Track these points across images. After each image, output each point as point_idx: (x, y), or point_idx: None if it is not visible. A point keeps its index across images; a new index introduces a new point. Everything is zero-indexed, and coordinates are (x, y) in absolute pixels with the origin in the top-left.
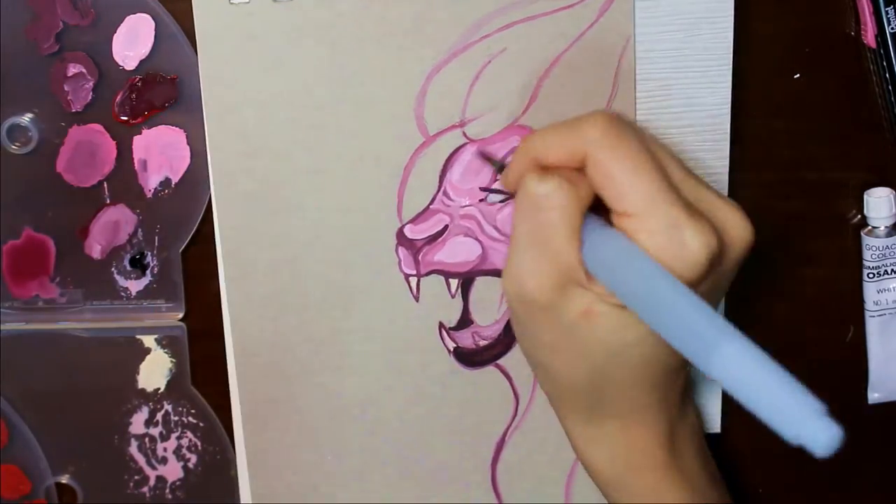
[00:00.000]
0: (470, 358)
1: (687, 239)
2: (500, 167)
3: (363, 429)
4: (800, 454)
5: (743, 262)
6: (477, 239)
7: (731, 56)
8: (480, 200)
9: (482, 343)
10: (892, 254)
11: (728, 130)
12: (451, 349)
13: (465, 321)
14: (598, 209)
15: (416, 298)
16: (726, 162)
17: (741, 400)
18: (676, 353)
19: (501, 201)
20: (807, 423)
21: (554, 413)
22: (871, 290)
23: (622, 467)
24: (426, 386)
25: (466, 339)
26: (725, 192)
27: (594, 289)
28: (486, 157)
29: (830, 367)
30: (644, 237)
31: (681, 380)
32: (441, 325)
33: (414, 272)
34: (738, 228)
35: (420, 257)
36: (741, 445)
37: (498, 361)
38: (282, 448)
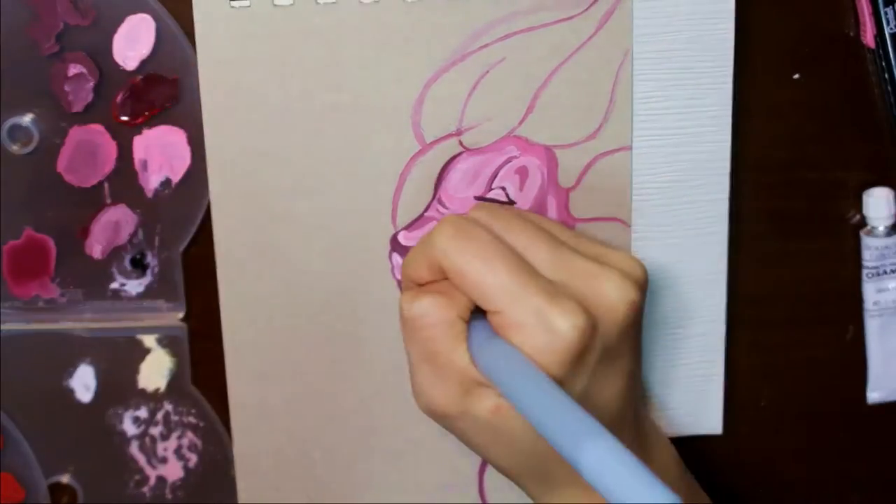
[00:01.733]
0: None
1: (554, 324)
2: None
3: (353, 433)
4: (799, 454)
5: (632, 322)
6: None
7: (733, 57)
8: None
9: None
10: (891, 254)
11: (729, 132)
12: None
13: None
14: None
15: None
16: (727, 164)
17: (608, 497)
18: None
19: None
20: None
21: None
22: (870, 290)
23: None
24: None
25: None
26: (725, 191)
27: (494, 386)
28: None
29: (830, 367)
30: (513, 332)
31: (626, 435)
32: None
33: None
34: (614, 291)
35: None
36: (741, 445)
37: None
38: (272, 449)
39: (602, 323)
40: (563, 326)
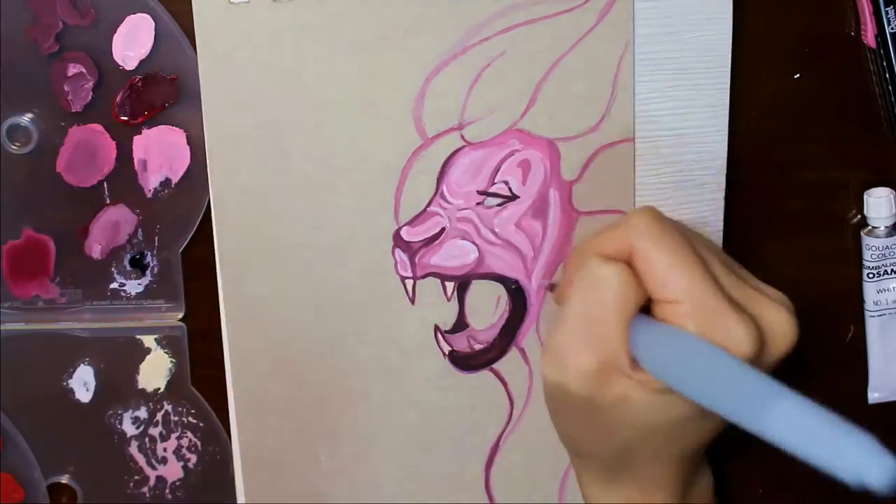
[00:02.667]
0: (465, 361)
1: (731, 329)
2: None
3: (357, 430)
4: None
5: (784, 357)
6: (474, 242)
7: (731, 57)
8: (478, 204)
9: (477, 347)
10: (892, 254)
11: (726, 132)
12: (447, 352)
13: (460, 324)
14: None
15: (412, 301)
16: (724, 164)
17: (800, 454)
18: (703, 434)
19: (499, 205)
20: (865, 465)
21: (548, 418)
22: (871, 290)
23: None
24: (421, 389)
25: (462, 342)
26: (723, 191)
27: (635, 376)
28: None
29: (830, 367)
30: (688, 322)
31: (698, 455)
32: (436, 328)
33: (410, 275)
34: (780, 324)
35: (416, 260)
36: (739, 445)
37: (493, 365)
38: (276, 449)
39: (766, 348)
40: (740, 334)
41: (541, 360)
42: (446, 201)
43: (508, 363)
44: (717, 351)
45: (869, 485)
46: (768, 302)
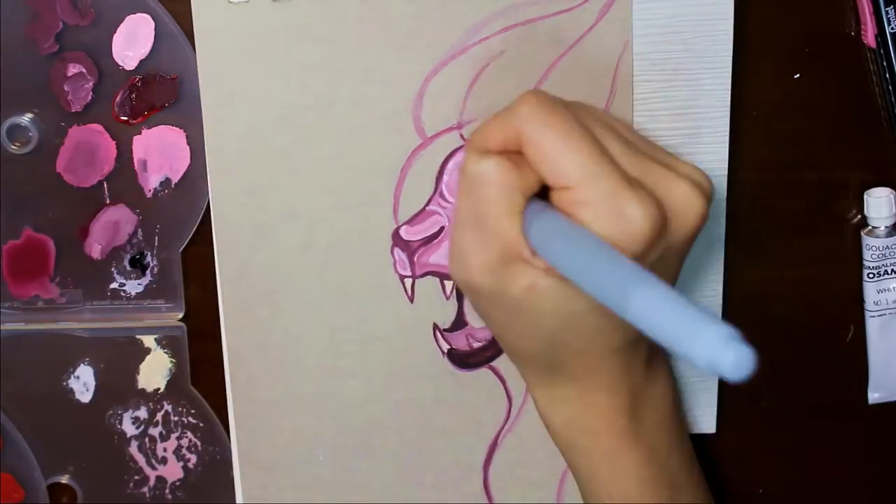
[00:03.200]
0: (464, 359)
1: (627, 210)
2: None
3: (356, 429)
4: (799, 454)
5: (695, 235)
6: None
7: (731, 58)
8: None
9: (476, 345)
10: (892, 254)
11: (727, 132)
12: (445, 350)
13: (459, 323)
14: (545, 197)
15: (411, 300)
16: (725, 164)
17: (660, 339)
18: (627, 326)
19: None
20: (720, 352)
21: None
22: (871, 290)
23: (579, 430)
24: (420, 387)
25: (460, 340)
26: (724, 193)
27: (537, 263)
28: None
29: (830, 367)
30: (582, 210)
31: (641, 348)
32: (435, 327)
33: (409, 273)
34: (684, 199)
35: (415, 259)
36: (739, 445)
37: (491, 363)
38: (274, 448)
39: (670, 225)
40: (636, 214)
41: (448, 263)
42: (445, 200)
43: (507, 361)
44: (590, 237)
45: (722, 372)
46: (675, 177)
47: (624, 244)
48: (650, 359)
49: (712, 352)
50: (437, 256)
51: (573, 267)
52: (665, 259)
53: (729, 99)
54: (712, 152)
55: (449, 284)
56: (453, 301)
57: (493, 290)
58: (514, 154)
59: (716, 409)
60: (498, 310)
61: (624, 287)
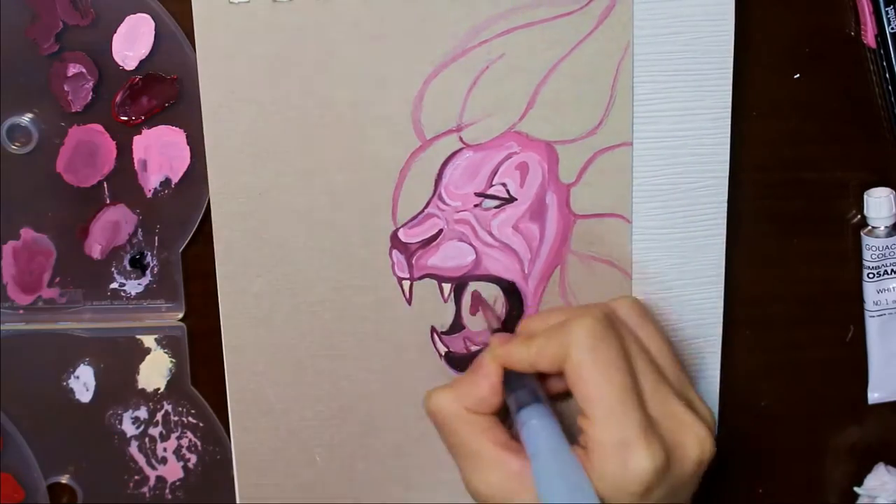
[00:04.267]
0: (461, 363)
1: (631, 462)
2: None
3: (354, 431)
4: (799, 454)
5: (702, 471)
6: (471, 244)
7: (732, 58)
8: (475, 206)
9: (473, 348)
10: (892, 254)
11: (728, 133)
12: (443, 353)
13: (457, 326)
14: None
15: (409, 302)
16: (726, 165)
17: None
18: None
19: (496, 207)
20: None
21: None
22: (871, 290)
23: None
24: (417, 389)
25: (458, 343)
26: (724, 193)
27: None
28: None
29: (830, 367)
30: (594, 447)
31: None
32: (433, 329)
33: (407, 276)
34: (694, 446)
35: (414, 261)
36: (739, 445)
37: None
38: (272, 449)
39: (674, 468)
40: (639, 467)
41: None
42: (444, 203)
43: None
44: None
45: None
46: (691, 421)
47: (621, 486)
48: None
49: None
50: (436, 259)
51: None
52: (673, 491)
53: (729, 99)
54: (712, 152)
55: (447, 287)
56: (451, 304)
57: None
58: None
59: (716, 409)
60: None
61: None
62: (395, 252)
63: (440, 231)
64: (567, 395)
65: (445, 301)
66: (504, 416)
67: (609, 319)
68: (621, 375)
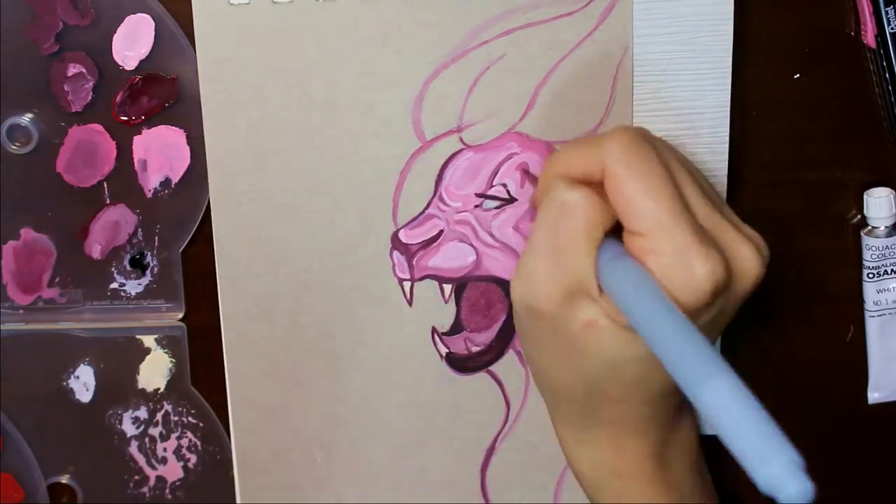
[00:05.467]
0: (462, 364)
1: (694, 266)
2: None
3: (354, 431)
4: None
5: (749, 296)
6: (471, 245)
7: (731, 58)
8: (476, 206)
9: (474, 349)
10: (892, 254)
11: (727, 133)
12: (444, 354)
13: (457, 327)
14: (616, 233)
15: (410, 303)
16: (725, 164)
17: (723, 438)
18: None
19: (496, 207)
20: (781, 474)
21: (544, 421)
22: (871, 290)
23: (608, 473)
24: (417, 390)
25: (459, 344)
26: (724, 194)
27: (602, 303)
28: (527, 175)
29: (830, 367)
30: (652, 259)
31: (675, 398)
32: (434, 331)
33: (408, 277)
34: (748, 261)
35: (414, 262)
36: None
37: (490, 368)
38: (272, 449)
39: (730, 284)
40: (702, 272)
41: (511, 283)
42: (445, 204)
43: (505, 365)
44: (672, 310)
45: (778, 499)
46: (742, 238)
47: (685, 298)
48: (679, 406)
49: (776, 480)
50: (436, 260)
51: (647, 324)
52: (720, 313)
53: (729, 99)
54: (712, 152)
55: (448, 288)
56: (452, 305)
57: (553, 319)
58: (598, 188)
59: None
60: (550, 340)
61: (702, 373)
62: (395, 253)
63: (441, 232)
64: None
65: (446, 302)
66: None
67: (643, 132)
68: (668, 185)
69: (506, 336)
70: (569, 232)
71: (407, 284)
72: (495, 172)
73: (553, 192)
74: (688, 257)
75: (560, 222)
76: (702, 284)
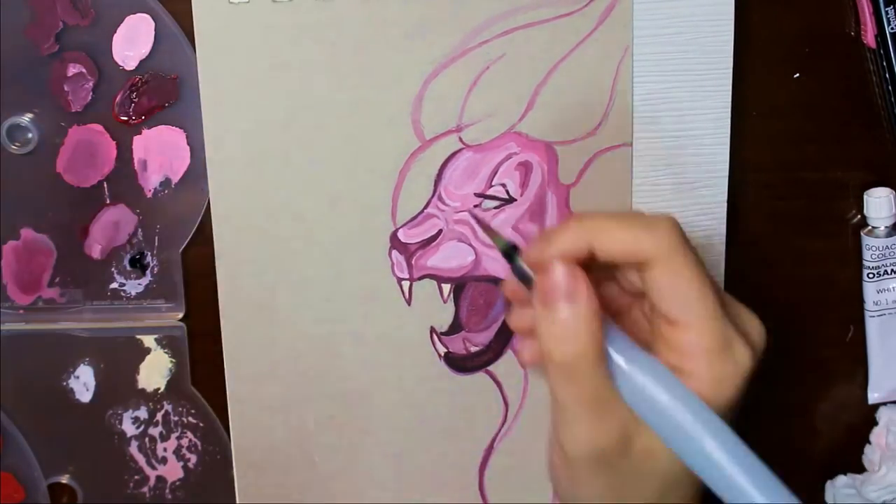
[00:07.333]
0: (460, 363)
1: (738, 353)
2: (504, 246)
3: (352, 431)
4: (800, 454)
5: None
6: (470, 244)
7: (731, 58)
8: (475, 206)
9: (473, 349)
10: (892, 254)
11: (728, 133)
12: (442, 354)
13: (456, 326)
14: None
15: (409, 302)
16: (726, 165)
17: None
18: None
19: (496, 208)
20: None
21: (542, 421)
22: (871, 290)
23: None
24: (416, 390)
25: (457, 344)
26: (724, 193)
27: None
28: (485, 229)
29: (830, 367)
30: (698, 353)
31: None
32: (432, 330)
33: (407, 276)
34: (758, 335)
35: (413, 261)
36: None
37: (488, 368)
38: (270, 449)
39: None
40: (743, 359)
41: (568, 452)
42: (444, 203)
43: (503, 366)
44: (713, 424)
45: None
46: (749, 313)
47: (731, 387)
48: None
49: None
50: (435, 259)
51: (682, 445)
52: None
53: (729, 99)
54: (712, 152)
55: (447, 287)
56: (451, 304)
57: (613, 462)
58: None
59: None
60: (605, 480)
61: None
62: (394, 252)
63: (440, 231)
64: None
65: (445, 301)
66: None
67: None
68: (709, 277)
69: (504, 336)
70: (586, 378)
71: (406, 284)
72: (495, 172)
73: (549, 354)
74: (732, 348)
75: (572, 376)
76: (741, 371)
